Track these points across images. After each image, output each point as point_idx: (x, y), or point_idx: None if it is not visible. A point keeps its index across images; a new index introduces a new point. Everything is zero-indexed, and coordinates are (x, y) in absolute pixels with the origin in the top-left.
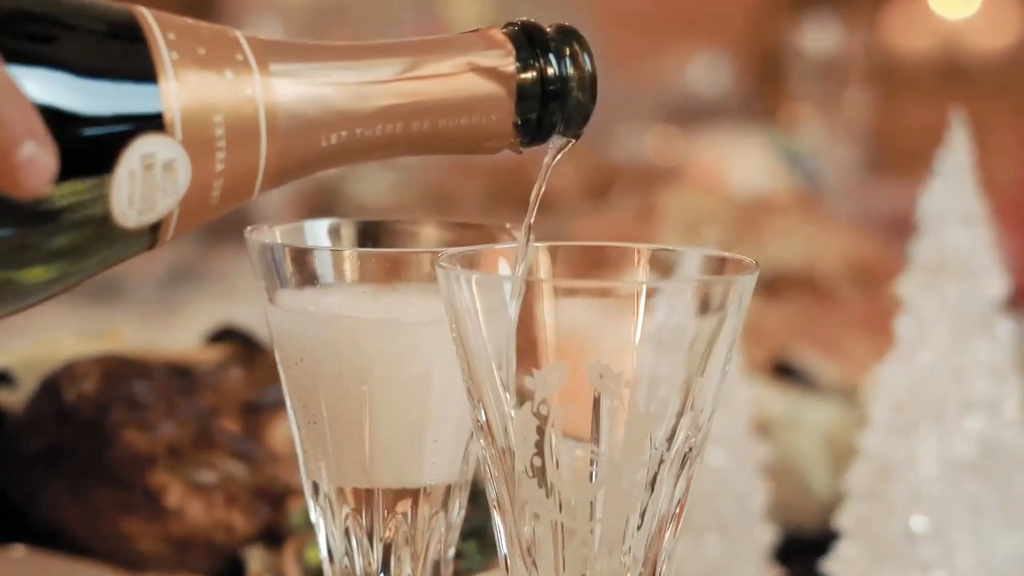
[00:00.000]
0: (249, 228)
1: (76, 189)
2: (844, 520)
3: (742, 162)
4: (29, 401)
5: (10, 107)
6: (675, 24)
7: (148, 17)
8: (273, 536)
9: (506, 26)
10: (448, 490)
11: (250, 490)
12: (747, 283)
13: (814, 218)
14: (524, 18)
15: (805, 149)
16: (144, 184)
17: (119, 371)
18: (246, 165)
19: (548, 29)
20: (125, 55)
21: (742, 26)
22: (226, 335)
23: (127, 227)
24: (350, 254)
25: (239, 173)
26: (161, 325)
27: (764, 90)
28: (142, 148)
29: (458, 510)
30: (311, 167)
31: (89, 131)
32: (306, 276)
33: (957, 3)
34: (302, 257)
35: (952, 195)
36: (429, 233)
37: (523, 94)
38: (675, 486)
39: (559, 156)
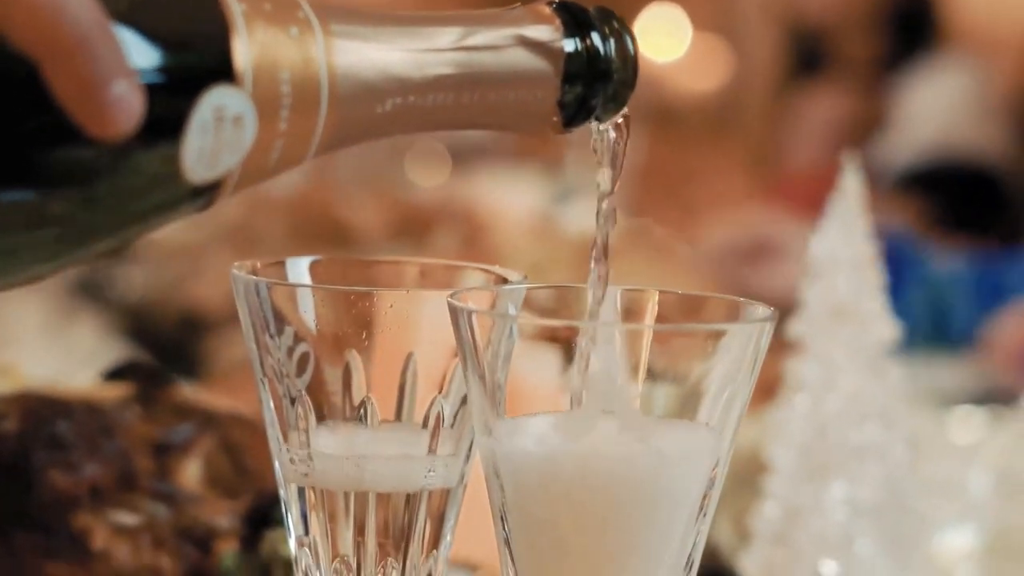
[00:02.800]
0: None
1: (149, 139)
2: (749, 563)
3: (519, 202)
4: None
5: (104, 43)
6: None
7: None
8: None
9: (548, 3)
10: None
11: (175, 532)
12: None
13: (660, 256)
14: None
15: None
16: (214, 137)
17: (39, 410)
18: (306, 127)
19: (589, 8)
20: (197, 6)
21: None
22: (126, 371)
23: (192, 182)
24: None
25: (299, 135)
26: None
27: None
28: (214, 100)
29: None
30: (363, 135)
31: (163, 81)
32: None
33: (664, 47)
34: None
35: (843, 239)
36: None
37: (570, 72)
38: None
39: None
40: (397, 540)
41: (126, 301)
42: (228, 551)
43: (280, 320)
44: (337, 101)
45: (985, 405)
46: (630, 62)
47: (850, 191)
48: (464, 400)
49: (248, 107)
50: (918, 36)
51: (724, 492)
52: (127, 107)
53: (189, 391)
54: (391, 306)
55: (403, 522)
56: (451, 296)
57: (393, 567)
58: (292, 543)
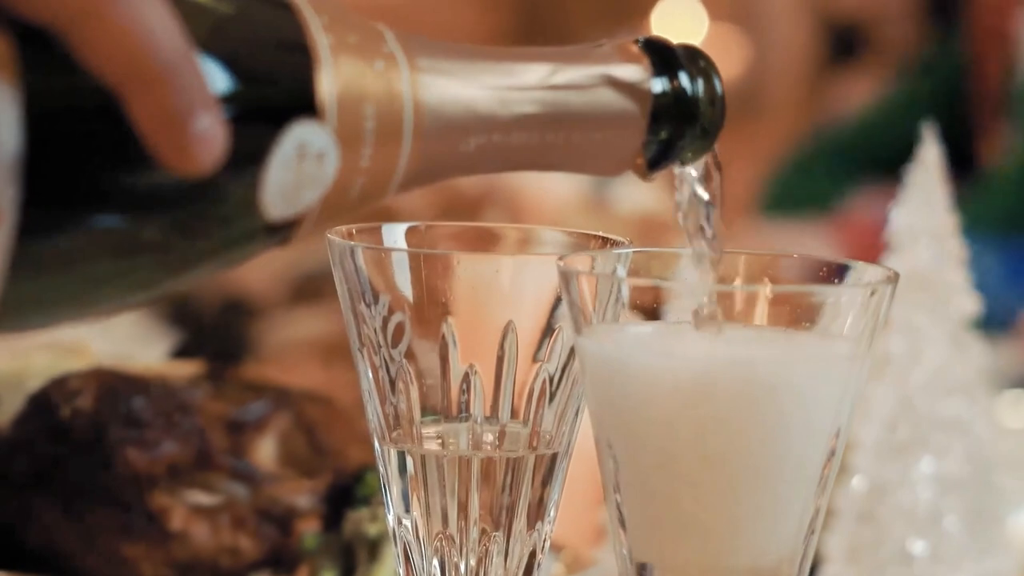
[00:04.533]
0: None
1: (228, 173)
2: (833, 542)
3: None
4: (17, 418)
5: (188, 75)
6: None
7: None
8: (280, 560)
9: (635, 41)
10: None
11: (254, 512)
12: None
13: None
14: (649, 35)
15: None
16: (295, 173)
17: (115, 386)
18: (388, 164)
19: (675, 47)
20: (281, 38)
21: None
22: (193, 349)
23: (270, 220)
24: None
25: (380, 172)
26: None
27: None
28: (297, 135)
29: None
30: (444, 172)
31: (246, 113)
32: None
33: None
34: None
35: (923, 210)
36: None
37: (657, 113)
38: None
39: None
40: (500, 513)
41: None
42: (309, 531)
43: (375, 287)
44: (421, 138)
45: None
46: (718, 103)
47: (929, 161)
48: (567, 367)
49: (331, 143)
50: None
51: None
52: (209, 142)
53: (258, 369)
54: (496, 271)
55: (507, 493)
56: (560, 259)
57: (496, 542)
58: (391, 519)
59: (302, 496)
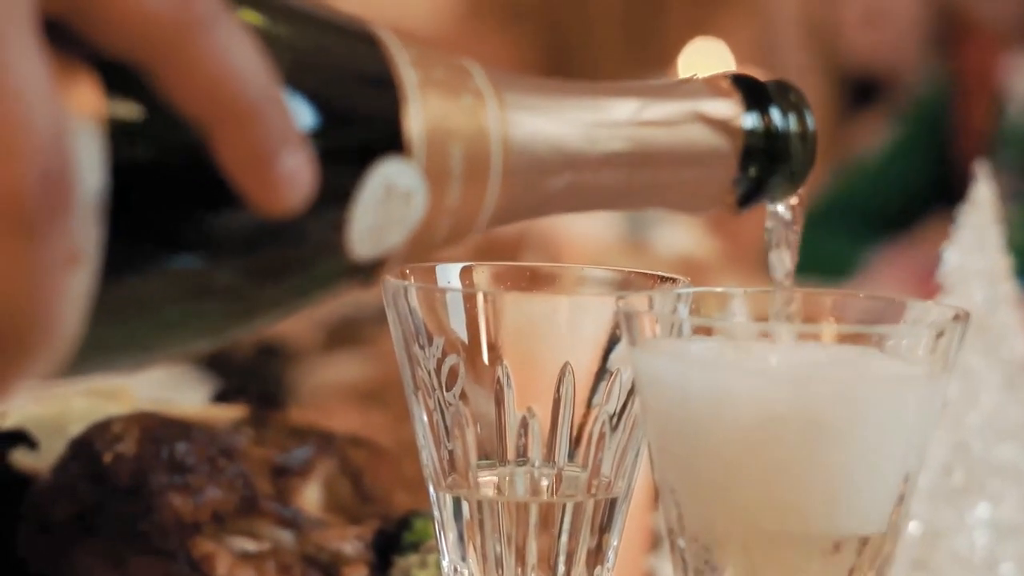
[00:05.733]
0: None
1: (315, 212)
2: None
3: (601, 226)
4: (58, 463)
5: (277, 111)
6: None
7: (386, 34)
8: None
9: (724, 76)
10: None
11: (300, 558)
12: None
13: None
14: (736, 71)
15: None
16: (382, 213)
17: (158, 431)
18: (476, 202)
19: (765, 82)
20: (368, 73)
21: None
22: (235, 393)
23: (355, 260)
24: None
25: (468, 210)
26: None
27: None
28: (385, 173)
29: None
30: (533, 211)
31: (332, 155)
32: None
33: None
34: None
35: (976, 250)
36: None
37: (749, 150)
38: None
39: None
40: (558, 559)
41: None
42: None
43: (429, 328)
44: (509, 177)
45: None
46: (809, 140)
47: (982, 200)
48: (625, 408)
49: (419, 182)
50: None
51: None
52: (297, 182)
53: (300, 414)
54: (553, 312)
55: (566, 539)
56: (619, 299)
57: None
58: (446, 565)
59: (348, 542)
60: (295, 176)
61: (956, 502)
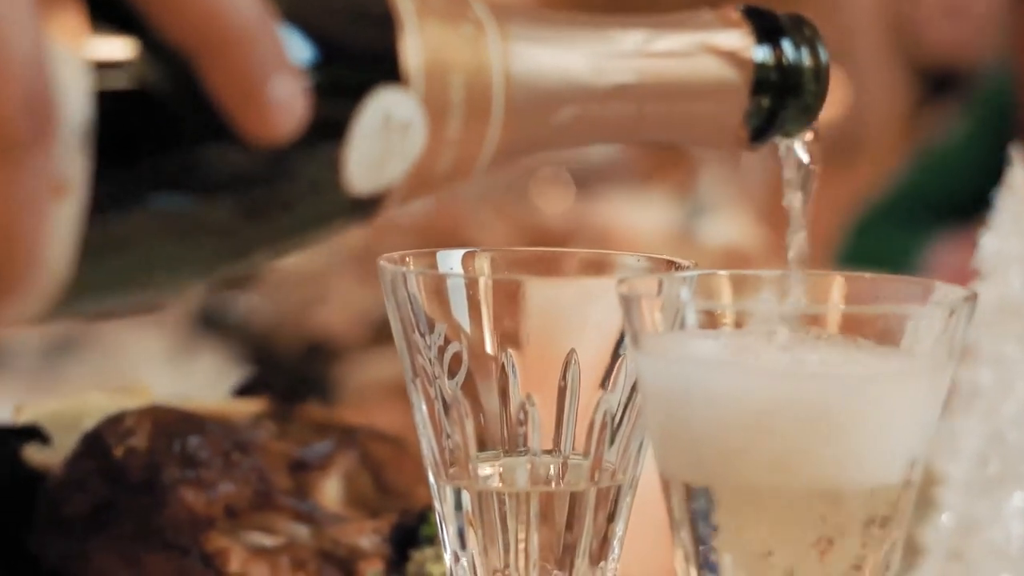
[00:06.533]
0: None
1: (311, 144)
2: None
3: (651, 221)
4: (70, 458)
5: (267, 38)
6: None
7: None
8: None
9: (736, 8)
10: None
11: (315, 554)
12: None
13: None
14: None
15: (708, 206)
16: (380, 144)
17: (170, 425)
18: (478, 136)
19: (780, 15)
20: (363, 2)
21: None
22: (257, 387)
23: (355, 192)
24: None
25: (470, 144)
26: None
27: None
28: (382, 103)
29: None
30: (538, 145)
31: (328, 84)
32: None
33: None
34: None
35: (1014, 235)
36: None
37: (760, 83)
38: None
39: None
40: (561, 550)
41: (249, 329)
42: (372, 572)
43: (430, 315)
44: (512, 109)
45: None
46: (823, 73)
47: (1019, 185)
48: (631, 396)
49: (417, 112)
50: None
51: None
52: (289, 108)
53: (323, 409)
54: (557, 297)
55: (569, 529)
56: (620, 283)
57: None
58: (447, 558)
59: (366, 537)
60: (287, 104)
61: (991, 492)
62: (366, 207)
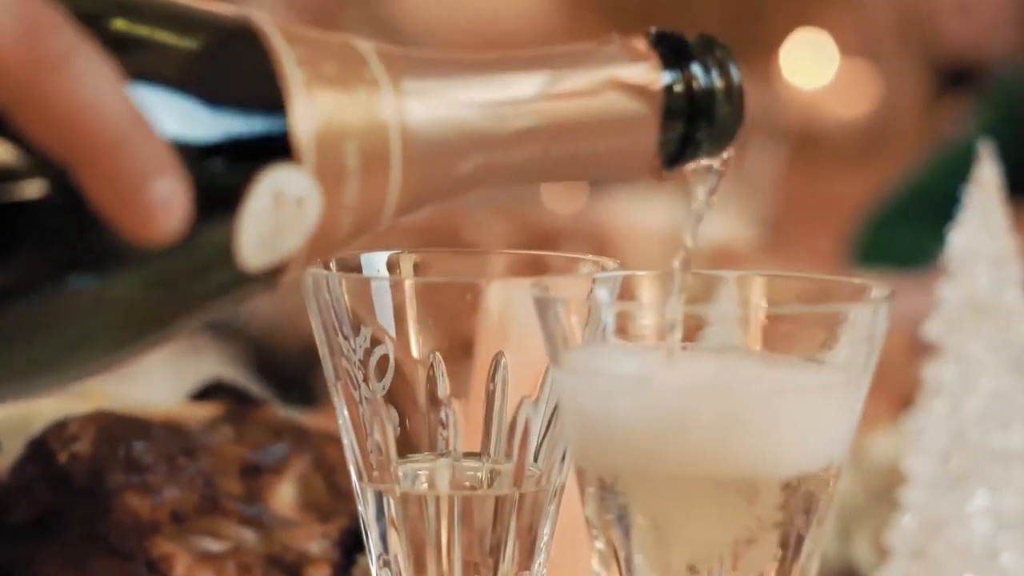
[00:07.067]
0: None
1: (199, 230)
2: None
3: (652, 220)
4: (15, 464)
5: (140, 138)
6: None
7: (270, 29)
8: None
9: (644, 35)
10: None
11: (262, 559)
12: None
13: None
14: (660, 27)
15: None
16: (273, 222)
17: (115, 430)
18: (378, 195)
19: (689, 38)
20: (249, 75)
21: None
22: (214, 391)
23: (250, 269)
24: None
25: (370, 204)
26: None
27: None
28: (272, 182)
29: None
30: (443, 195)
31: (213, 165)
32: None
33: (812, 73)
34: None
35: (982, 233)
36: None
37: (669, 111)
38: None
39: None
40: (485, 555)
41: (251, 333)
42: None
43: (356, 320)
44: (413, 165)
45: None
46: (736, 93)
47: (987, 182)
48: (557, 402)
49: (310, 186)
50: None
51: (861, 508)
52: (168, 209)
53: (281, 411)
54: (481, 299)
55: (492, 533)
56: (534, 285)
57: None
58: (372, 563)
59: (314, 541)
60: (167, 203)
61: (955, 491)
62: (265, 279)
